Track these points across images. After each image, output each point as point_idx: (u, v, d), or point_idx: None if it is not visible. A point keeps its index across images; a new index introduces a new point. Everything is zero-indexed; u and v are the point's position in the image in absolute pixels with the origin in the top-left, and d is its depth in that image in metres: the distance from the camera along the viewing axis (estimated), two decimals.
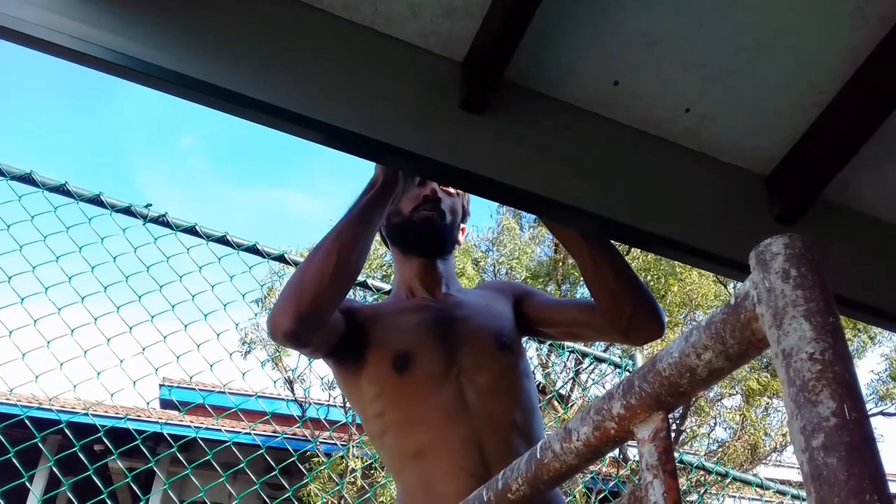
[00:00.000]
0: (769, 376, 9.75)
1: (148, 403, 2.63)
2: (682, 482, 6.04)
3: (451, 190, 1.64)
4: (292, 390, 8.68)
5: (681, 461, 3.57)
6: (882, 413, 13.38)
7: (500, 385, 1.42)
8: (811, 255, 0.49)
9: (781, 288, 0.49)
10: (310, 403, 8.62)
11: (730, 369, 0.55)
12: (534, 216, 11.45)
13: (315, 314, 1.27)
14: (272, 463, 2.74)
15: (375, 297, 2.98)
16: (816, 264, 0.49)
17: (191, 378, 2.74)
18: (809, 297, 0.48)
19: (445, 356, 1.41)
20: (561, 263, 11.29)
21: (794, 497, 4.22)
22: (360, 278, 3.06)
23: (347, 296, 1.54)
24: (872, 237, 1.56)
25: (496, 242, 11.96)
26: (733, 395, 10.88)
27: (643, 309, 1.40)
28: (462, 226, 1.69)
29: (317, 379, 9.09)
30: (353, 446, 7.38)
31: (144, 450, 2.67)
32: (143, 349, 2.61)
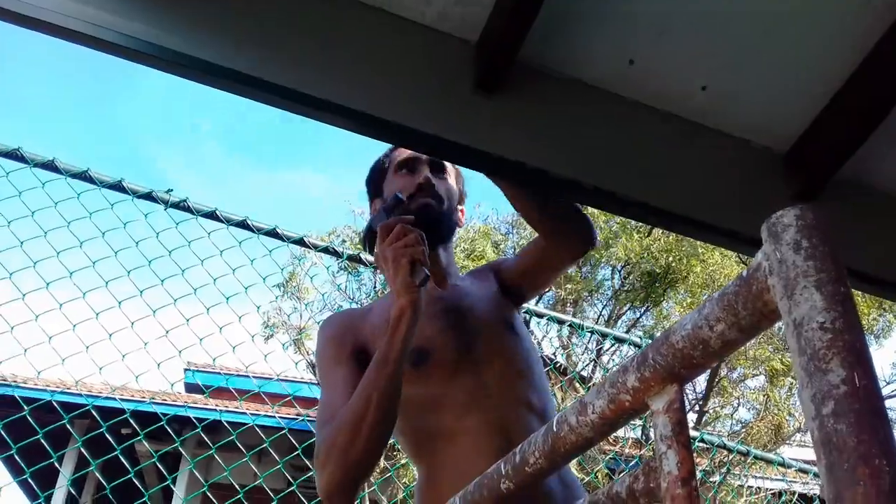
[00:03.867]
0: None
1: (172, 385, 2.67)
2: (704, 462, 6.03)
3: (448, 167, 1.61)
4: (314, 373, 8.76)
5: (702, 440, 3.58)
6: None
7: (514, 367, 1.44)
8: (823, 226, 0.50)
9: (793, 259, 0.49)
10: None
11: (742, 341, 0.56)
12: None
13: (363, 479, 1.25)
14: (295, 444, 2.78)
15: (372, 268, 2.99)
16: (828, 235, 0.49)
17: (214, 360, 2.78)
18: (820, 267, 0.48)
19: (461, 346, 1.42)
20: None
21: (817, 476, 4.20)
22: (353, 252, 3.08)
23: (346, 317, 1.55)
24: (891, 214, 1.54)
25: (516, 225, 11.95)
26: (757, 375, 10.83)
27: (573, 222, 1.50)
28: (460, 208, 1.67)
29: None
30: None
31: (170, 431, 2.72)
32: (167, 332, 2.65)
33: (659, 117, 1.43)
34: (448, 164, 1.62)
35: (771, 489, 6.64)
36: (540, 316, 3.62)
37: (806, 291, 0.47)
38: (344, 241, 9.64)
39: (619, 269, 11.10)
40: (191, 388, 9.58)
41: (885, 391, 13.54)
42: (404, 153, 1.57)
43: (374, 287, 8.83)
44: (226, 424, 2.82)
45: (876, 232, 1.51)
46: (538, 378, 1.47)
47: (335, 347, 1.45)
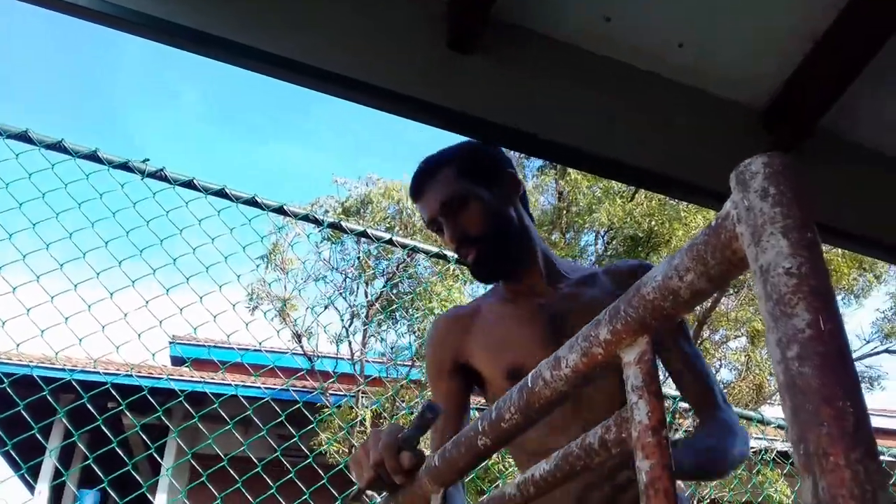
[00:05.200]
0: None
1: (154, 356, 2.64)
2: (687, 423, 6.12)
3: (458, 181, 1.29)
4: (300, 344, 8.77)
5: (683, 400, 3.61)
6: (887, 350, 13.49)
7: (616, 389, 1.28)
8: (791, 172, 0.49)
9: (760, 206, 0.49)
10: (318, 357, 8.72)
11: (711, 290, 0.56)
12: (538, 165, 11.40)
13: None
14: (280, 413, 2.79)
15: (375, 245, 2.99)
16: (796, 182, 0.49)
17: (195, 329, 2.77)
18: (787, 213, 0.48)
19: None
20: (565, 211, 11.28)
21: None
22: (359, 228, 3.06)
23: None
24: (869, 169, 1.55)
25: None
26: (738, 336, 10.97)
27: None
28: (514, 178, 1.36)
29: (324, 333, 9.19)
30: (363, 396, 7.49)
31: (154, 403, 2.72)
32: (147, 302, 2.63)
33: (636, 75, 1.42)
34: (457, 172, 1.30)
35: (752, 448, 6.76)
36: None
37: (773, 238, 0.47)
38: (327, 211, 9.60)
39: (603, 234, 11.15)
40: (177, 361, 9.60)
41: (865, 349, 13.80)
42: (423, 211, 1.34)
43: (358, 256, 8.81)
44: (210, 395, 2.82)
45: (853, 187, 1.52)
46: None
47: (436, 362, 1.42)
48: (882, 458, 4.01)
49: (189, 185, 2.69)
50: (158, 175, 2.67)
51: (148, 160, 2.66)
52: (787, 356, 0.44)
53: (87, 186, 2.64)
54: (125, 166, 2.66)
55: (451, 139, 1.44)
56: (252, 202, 2.75)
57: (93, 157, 2.63)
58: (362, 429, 6.60)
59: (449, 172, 1.29)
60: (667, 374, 1.41)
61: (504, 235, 1.31)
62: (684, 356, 1.37)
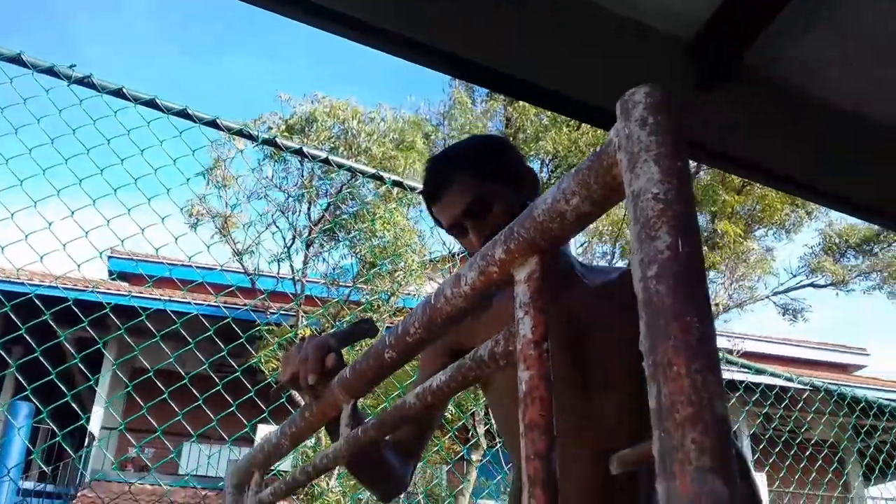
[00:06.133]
0: (707, 249, 10.09)
1: (79, 266, 2.58)
2: None
3: (482, 186, 1.27)
4: (241, 261, 8.72)
5: None
6: (812, 284, 14.08)
7: (633, 400, 1.21)
8: (669, 104, 0.52)
9: (638, 134, 0.52)
10: (259, 275, 8.69)
11: (596, 214, 0.59)
12: (486, 91, 11.31)
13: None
14: (210, 328, 2.80)
15: (319, 165, 2.96)
16: (672, 113, 0.52)
17: (122, 242, 2.73)
18: (661, 142, 0.51)
19: (576, 368, 1.26)
20: (513, 138, 11.28)
21: (730, 362, 4.47)
22: (294, 145, 3.01)
23: None
24: (786, 105, 1.60)
25: (448, 116, 11.83)
26: None
27: None
28: (531, 173, 1.33)
29: (264, 252, 9.14)
30: (304, 317, 7.54)
31: (79, 314, 2.69)
32: (72, 212, 2.57)
33: (567, 2, 1.42)
34: (476, 174, 1.27)
35: None
36: None
37: (646, 165, 0.50)
38: (270, 128, 9.41)
39: (548, 162, 11.21)
40: (120, 276, 9.49)
41: (791, 283, 14.36)
42: (444, 215, 1.31)
43: (302, 175, 8.72)
44: (138, 309, 2.81)
45: (770, 122, 1.57)
46: None
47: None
48: (791, 384, 4.25)
49: (118, 93, 2.60)
50: (86, 82, 2.57)
51: (74, 66, 2.56)
52: (647, 275, 0.47)
53: (10, 91, 2.54)
54: (51, 71, 2.55)
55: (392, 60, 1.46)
56: (184, 114, 2.67)
57: (17, 60, 2.52)
58: None
59: (468, 175, 1.26)
60: None
61: None
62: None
